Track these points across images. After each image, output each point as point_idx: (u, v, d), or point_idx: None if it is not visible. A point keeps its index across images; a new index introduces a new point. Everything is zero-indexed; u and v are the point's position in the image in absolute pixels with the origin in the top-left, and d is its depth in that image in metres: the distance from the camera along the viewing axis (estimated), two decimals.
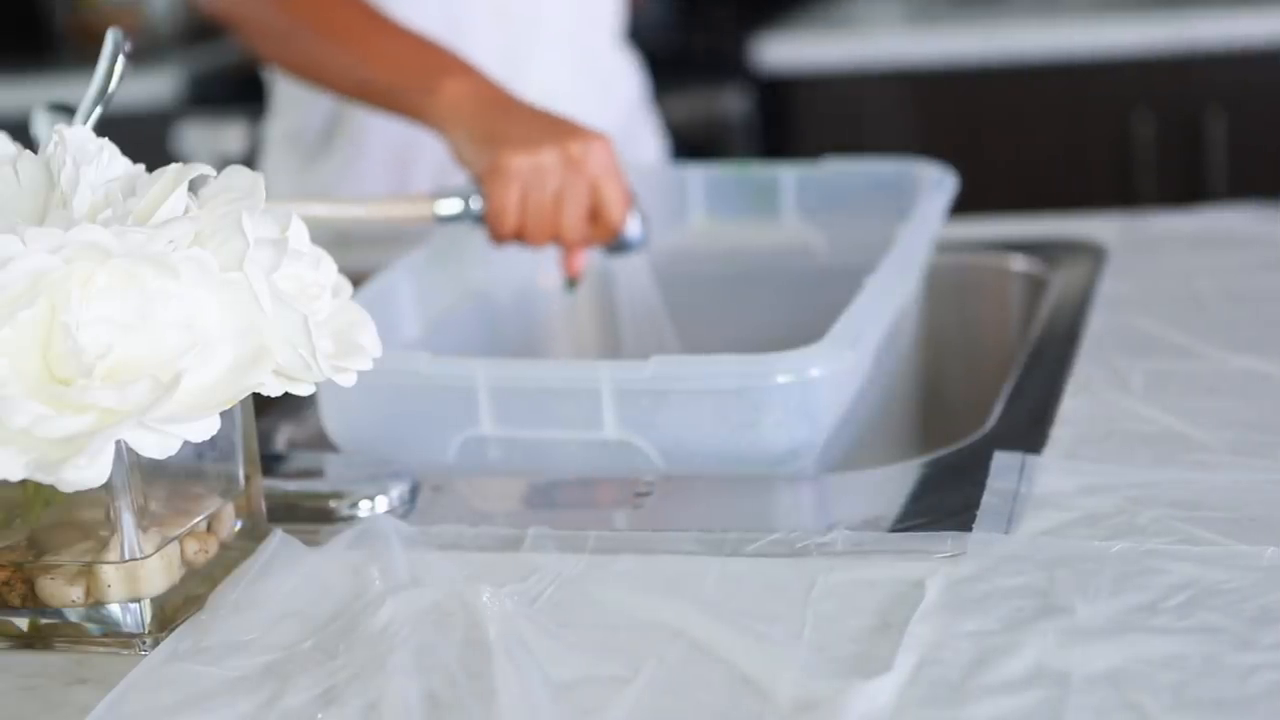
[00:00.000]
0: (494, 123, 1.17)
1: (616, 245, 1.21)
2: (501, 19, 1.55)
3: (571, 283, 1.23)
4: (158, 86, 2.58)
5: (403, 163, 1.56)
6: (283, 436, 1.12)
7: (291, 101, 1.62)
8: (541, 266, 1.35)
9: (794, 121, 2.46)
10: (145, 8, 2.89)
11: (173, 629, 0.81)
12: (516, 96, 1.21)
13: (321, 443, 1.05)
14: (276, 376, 0.79)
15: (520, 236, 1.16)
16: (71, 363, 0.73)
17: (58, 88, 2.31)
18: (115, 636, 0.80)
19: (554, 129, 1.16)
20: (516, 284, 1.31)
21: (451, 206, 1.15)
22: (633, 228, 1.20)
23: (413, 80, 1.22)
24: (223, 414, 0.76)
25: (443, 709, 0.71)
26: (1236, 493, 0.86)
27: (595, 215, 1.18)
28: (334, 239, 1.04)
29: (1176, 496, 0.86)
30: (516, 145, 1.14)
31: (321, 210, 1.12)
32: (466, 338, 1.22)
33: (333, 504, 0.94)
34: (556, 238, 1.17)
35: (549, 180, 1.14)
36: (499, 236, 1.16)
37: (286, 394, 0.80)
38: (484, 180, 1.15)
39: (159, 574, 0.80)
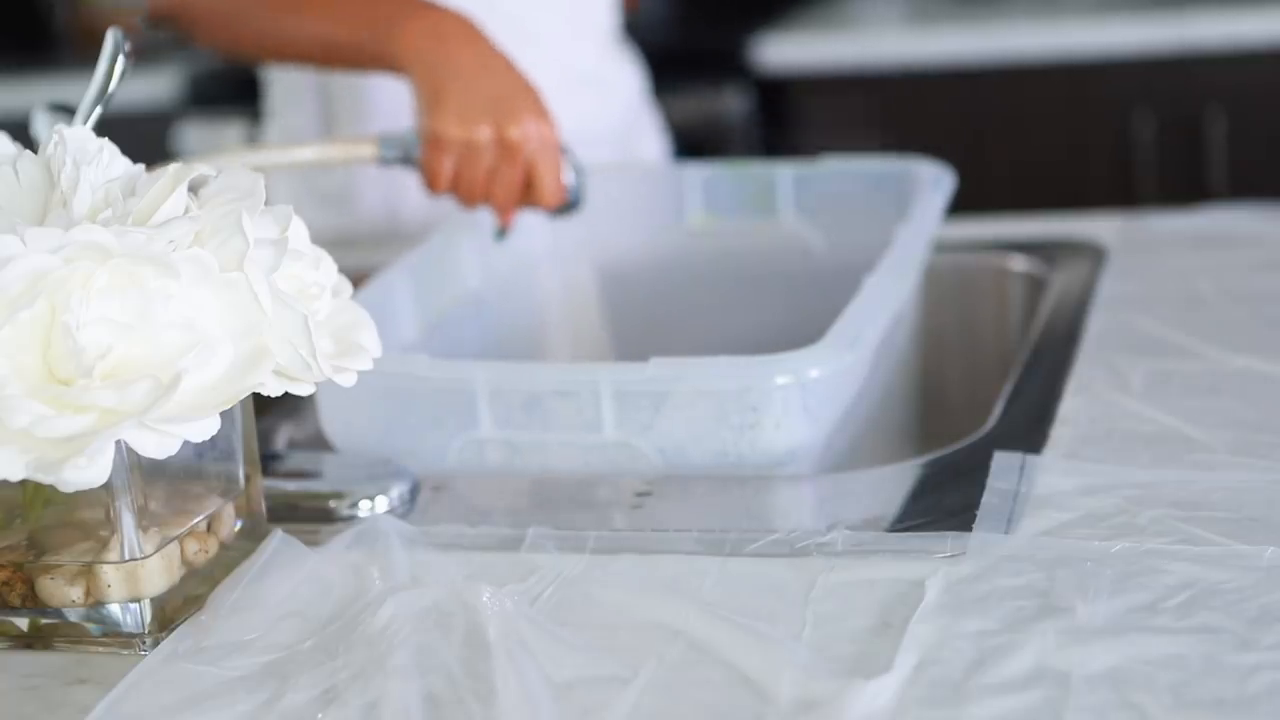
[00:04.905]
0: (443, 80, 1.17)
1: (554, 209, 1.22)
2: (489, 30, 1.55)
3: (501, 232, 1.23)
4: (158, 86, 2.57)
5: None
6: (283, 436, 1.12)
7: (288, 103, 1.61)
8: (541, 268, 1.35)
9: (794, 121, 2.46)
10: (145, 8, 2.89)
11: (173, 629, 0.81)
12: (479, 42, 1.20)
13: (321, 443, 1.05)
14: (276, 376, 0.79)
15: (453, 194, 1.18)
16: (71, 363, 0.73)
17: (58, 88, 2.31)
18: (115, 636, 0.80)
19: (496, 104, 1.16)
20: (515, 285, 1.31)
21: (393, 152, 1.17)
22: (569, 192, 1.20)
23: (376, 29, 1.21)
24: (223, 414, 0.76)
25: (443, 709, 0.71)
26: (1236, 493, 0.86)
27: (528, 188, 1.18)
28: (334, 239, 1.04)
29: (1176, 496, 0.86)
30: (454, 116, 1.15)
31: (274, 156, 1.14)
32: (465, 339, 1.22)
33: (333, 504, 0.94)
34: (488, 203, 1.19)
35: (482, 158, 1.16)
36: (432, 192, 1.18)
37: (286, 394, 0.80)
38: (422, 141, 1.16)
39: (159, 574, 0.80)
